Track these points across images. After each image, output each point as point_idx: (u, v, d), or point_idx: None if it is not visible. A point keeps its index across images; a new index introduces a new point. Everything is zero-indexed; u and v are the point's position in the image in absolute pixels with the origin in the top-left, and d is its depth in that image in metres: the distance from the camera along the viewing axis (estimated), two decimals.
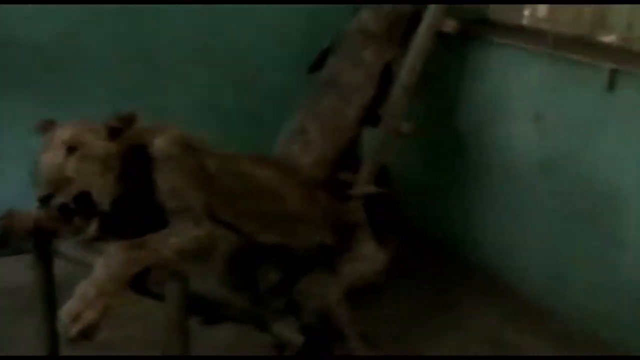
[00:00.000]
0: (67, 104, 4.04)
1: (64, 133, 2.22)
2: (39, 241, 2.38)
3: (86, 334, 2.03)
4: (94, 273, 2.09)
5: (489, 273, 4.03)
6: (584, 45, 3.41)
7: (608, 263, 3.38)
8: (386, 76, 3.66)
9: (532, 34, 3.70)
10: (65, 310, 2.05)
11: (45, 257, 2.41)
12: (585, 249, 3.51)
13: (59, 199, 2.13)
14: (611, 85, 3.12)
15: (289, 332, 2.44)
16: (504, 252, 3.98)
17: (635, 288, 3.25)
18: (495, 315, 3.71)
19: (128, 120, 2.32)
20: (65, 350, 2.48)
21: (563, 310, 3.62)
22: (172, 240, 2.22)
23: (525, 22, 3.94)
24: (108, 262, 2.09)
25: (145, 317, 3.08)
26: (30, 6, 3.89)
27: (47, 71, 4.02)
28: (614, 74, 3.11)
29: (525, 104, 3.72)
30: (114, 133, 2.29)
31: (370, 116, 3.60)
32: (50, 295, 2.45)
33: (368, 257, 2.82)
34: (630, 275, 3.27)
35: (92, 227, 2.29)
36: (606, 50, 3.32)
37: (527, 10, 3.95)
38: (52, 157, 2.18)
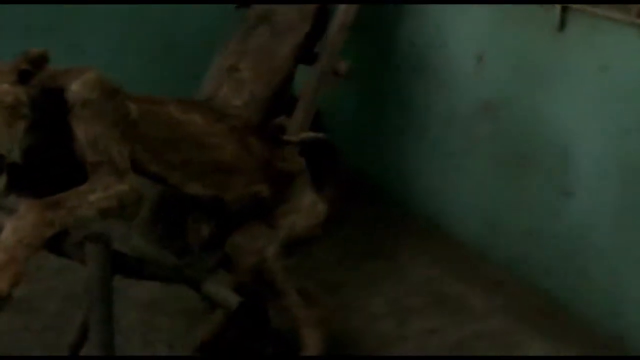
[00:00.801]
0: None
1: None
2: None
3: None
4: (2, 237, 1.85)
5: (427, 219, 3.92)
6: None
7: (550, 210, 3.27)
8: (322, 14, 3.44)
9: None
10: None
11: None
12: (526, 195, 3.39)
13: None
14: (562, 25, 2.96)
15: (222, 291, 2.25)
16: (442, 197, 3.86)
17: (577, 235, 3.16)
18: (433, 263, 3.60)
19: (39, 61, 2.04)
20: None
21: (501, 258, 3.53)
22: (91, 197, 1.99)
23: None
24: (18, 224, 1.85)
25: (67, 269, 2.89)
26: None
27: None
28: (565, 12, 2.95)
29: (467, 44, 3.55)
30: (23, 76, 2.02)
31: (305, 55, 3.38)
32: None
33: (306, 209, 2.64)
34: (572, 222, 3.17)
35: (0, 183, 2.03)
36: None
37: None
38: None
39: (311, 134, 2.81)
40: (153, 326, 3.07)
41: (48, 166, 2.10)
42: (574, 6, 2.95)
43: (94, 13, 4.04)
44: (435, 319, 3.16)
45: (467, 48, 3.55)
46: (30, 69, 2.02)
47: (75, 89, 2.08)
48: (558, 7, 2.99)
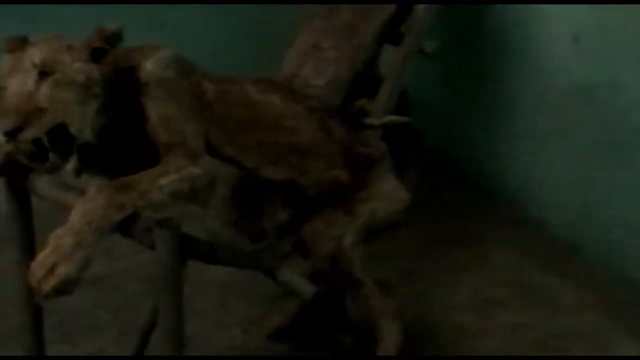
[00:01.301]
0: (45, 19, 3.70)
1: (35, 53, 1.87)
2: (13, 177, 2.08)
3: (61, 289, 1.75)
4: (71, 219, 1.80)
5: (515, 206, 3.77)
6: None
7: None
8: None
9: None
10: (38, 263, 1.76)
11: (20, 195, 2.11)
12: (619, 185, 3.23)
13: (30, 133, 1.80)
14: None
15: (297, 279, 2.17)
16: (532, 183, 3.72)
17: None
18: (521, 253, 3.46)
19: (113, 39, 1.97)
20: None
21: (594, 249, 3.36)
22: (163, 180, 1.91)
23: None
24: (87, 207, 1.79)
25: (145, 248, 2.86)
26: None
27: None
28: None
29: (562, 23, 3.37)
30: (96, 54, 1.95)
31: (391, 34, 3.24)
32: (26, 237, 2.16)
33: (387, 196, 2.52)
34: None
35: (71, 164, 1.98)
36: None
37: None
38: (21, 83, 1.83)
39: (395, 118, 2.68)
40: (228, 309, 3.02)
41: (120, 147, 2.04)
42: None
43: None
44: (520, 313, 3.02)
45: (562, 28, 3.38)
46: (104, 47, 1.96)
47: (149, 67, 2.01)
48: None
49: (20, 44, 1.94)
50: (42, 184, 2.04)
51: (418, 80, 3.66)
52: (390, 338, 2.55)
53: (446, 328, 2.94)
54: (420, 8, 3.27)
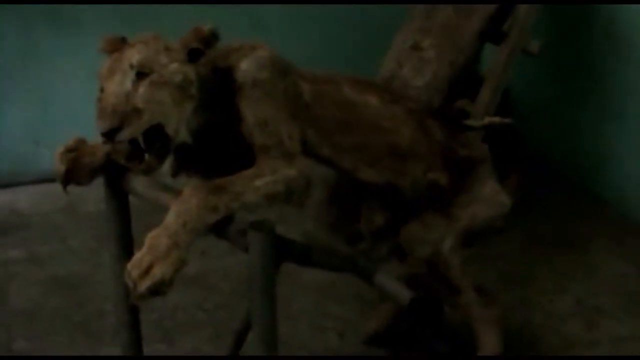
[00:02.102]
0: (142, 17, 3.77)
1: (133, 54, 1.87)
2: (112, 177, 2.10)
3: (155, 290, 1.74)
4: (167, 220, 1.79)
5: (622, 210, 3.61)
6: None
7: None
8: None
9: None
10: (134, 263, 1.76)
11: (118, 195, 2.13)
12: None
13: (127, 134, 1.81)
14: None
15: (394, 284, 2.10)
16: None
17: None
18: (629, 260, 3.32)
19: (209, 39, 1.96)
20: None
21: None
22: (258, 181, 1.89)
23: None
24: (181, 208, 1.78)
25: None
26: None
27: None
28: None
29: None
30: (192, 54, 1.94)
31: (492, 33, 3.15)
32: (124, 236, 2.18)
33: (488, 200, 2.44)
34: None
35: (167, 165, 1.98)
36: None
37: None
38: (118, 84, 1.83)
39: (496, 119, 2.59)
40: (324, 312, 2.99)
41: (216, 148, 2.03)
42: None
43: None
44: (629, 324, 2.89)
45: None
46: (200, 47, 1.95)
47: (245, 67, 1.98)
48: None
49: (119, 44, 1.95)
50: (139, 184, 2.04)
51: (522, 79, 3.56)
52: (489, 346, 2.48)
53: (549, 337, 2.83)
54: (523, 6, 3.17)
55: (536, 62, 3.58)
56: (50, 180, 3.66)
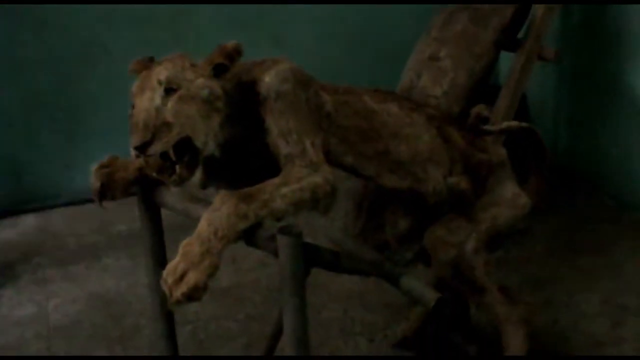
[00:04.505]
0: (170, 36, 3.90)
1: (161, 72, 1.96)
2: (145, 191, 2.18)
3: (191, 296, 1.82)
4: (199, 229, 1.87)
5: None
6: None
7: None
8: None
9: None
10: (169, 270, 1.84)
11: (151, 208, 2.22)
12: None
13: (157, 147, 1.90)
14: None
15: (420, 287, 2.16)
16: None
17: None
18: None
19: (233, 55, 2.05)
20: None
21: None
22: (284, 189, 1.96)
23: None
24: (212, 216, 1.87)
25: (272, 261, 2.92)
26: None
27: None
28: None
29: None
30: (218, 70, 2.03)
31: (508, 41, 3.21)
32: (158, 248, 2.26)
33: (508, 202, 2.50)
34: None
35: (197, 177, 2.06)
36: None
37: None
38: (148, 100, 1.93)
39: (514, 123, 2.65)
40: (353, 319, 3.06)
41: (243, 159, 2.11)
42: None
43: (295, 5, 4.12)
44: None
45: None
46: (225, 63, 2.03)
47: (268, 80, 2.07)
48: None
49: (147, 63, 2.04)
50: (170, 196, 2.13)
51: (539, 86, 3.60)
52: (515, 346, 2.52)
53: (577, 336, 2.87)
54: (539, 13, 3.23)
55: (558, 68, 3.63)
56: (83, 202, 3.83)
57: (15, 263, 3.58)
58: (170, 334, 2.40)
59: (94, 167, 2.15)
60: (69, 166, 4.09)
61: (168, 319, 2.36)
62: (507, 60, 3.37)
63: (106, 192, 2.14)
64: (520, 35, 3.29)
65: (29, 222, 3.99)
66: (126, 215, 3.68)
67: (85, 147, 4.06)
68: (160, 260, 2.26)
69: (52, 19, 3.89)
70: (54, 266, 3.54)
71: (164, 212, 2.22)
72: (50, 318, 3.15)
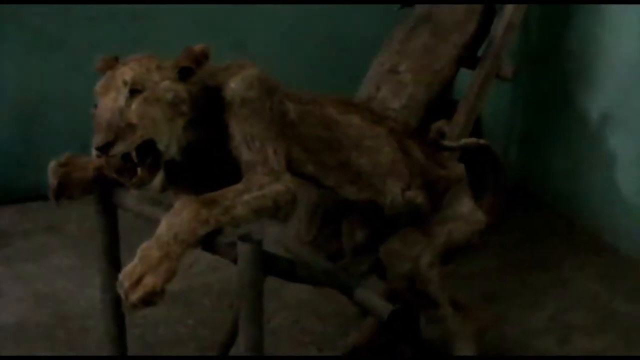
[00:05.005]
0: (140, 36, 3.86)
1: (126, 72, 1.94)
2: (102, 191, 2.16)
3: (147, 300, 1.80)
4: (158, 232, 1.86)
5: (592, 230, 3.71)
6: None
7: None
8: (488, 14, 3.31)
9: None
10: (126, 274, 1.82)
11: (108, 209, 2.19)
12: None
13: (120, 148, 1.87)
14: None
15: (374, 299, 2.18)
16: (610, 208, 3.65)
17: None
18: (599, 278, 3.41)
19: (200, 59, 2.04)
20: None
21: None
22: (246, 196, 1.95)
23: None
24: (173, 221, 1.85)
25: (223, 266, 2.91)
26: None
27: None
28: None
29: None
30: (184, 73, 2.02)
31: (468, 58, 3.25)
32: (112, 249, 2.24)
33: (465, 217, 2.52)
34: None
35: (157, 180, 2.04)
36: None
37: None
38: (112, 100, 1.91)
39: (472, 140, 2.67)
40: (303, 327, 3.05)
41: (205, 164, 2.09)
42: None
43: (258, 10, 4.10)
44: (601, 339, 2.98)
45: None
46: (191, 66, 2.02)
47: (233, 86, 2.05)
48: None
49: (113, 62, 2.02)
50: (129, 198, 2.11)
51: (492, 102, 3.64)
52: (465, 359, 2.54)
53: (525, 351, 2.91)
54: (499, 30, 3.27)
55: (511, 86, 3.67)
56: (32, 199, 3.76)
57: None
58: (121, 336, 2.37)
59: (51, 165, 2.12)
60: (20, 163, 4.01)
61: (119, 321, 2.34)
62: (464, 76, 3.41)
63: (63, 190, 2.10)
64: (479, 52, 3.34)
65: None
66: (76, 214, 3.64)
67: (39, 144, 3.99)
68: (113, 261, 2.23)
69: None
70: (1, 264, 3.47)
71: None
72: None
